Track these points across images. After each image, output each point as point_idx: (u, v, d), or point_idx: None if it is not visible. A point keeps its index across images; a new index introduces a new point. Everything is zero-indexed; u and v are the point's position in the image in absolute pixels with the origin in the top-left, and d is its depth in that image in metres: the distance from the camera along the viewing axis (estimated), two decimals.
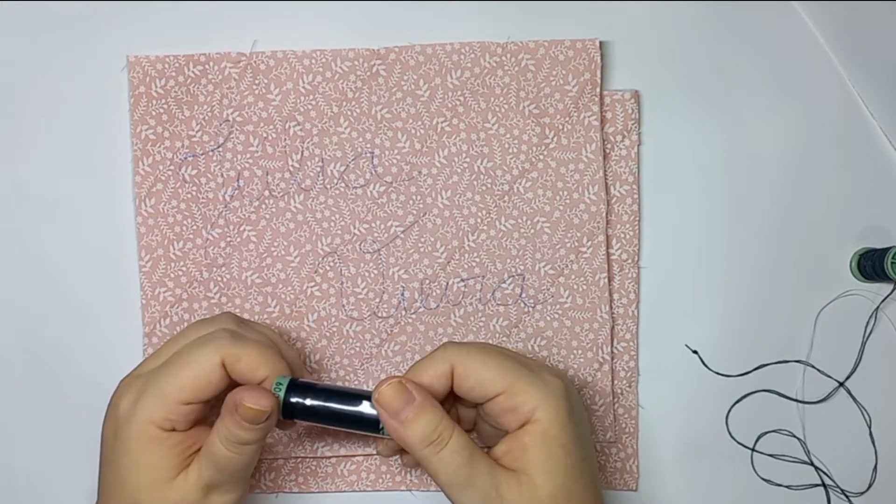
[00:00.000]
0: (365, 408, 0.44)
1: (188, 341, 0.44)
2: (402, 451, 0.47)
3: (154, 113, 0.51)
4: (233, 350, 0.43)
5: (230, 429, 0.42)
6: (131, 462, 0.43)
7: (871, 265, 0.51)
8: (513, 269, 0.52)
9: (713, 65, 0.53)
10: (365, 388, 0.52)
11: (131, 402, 0.43)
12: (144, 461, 0.43)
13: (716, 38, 0.53)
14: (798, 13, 0.53)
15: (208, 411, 0.45)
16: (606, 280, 0.52)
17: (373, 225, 0.52)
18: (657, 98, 0.53)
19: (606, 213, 0.52)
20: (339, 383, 0.52)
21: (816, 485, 0.53)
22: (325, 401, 0.44)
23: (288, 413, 0.44)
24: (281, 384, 0.44)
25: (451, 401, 0.47)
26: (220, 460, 0.43)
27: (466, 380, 0.43)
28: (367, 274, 0.52)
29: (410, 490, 0.52)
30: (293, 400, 0.44)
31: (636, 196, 0.52)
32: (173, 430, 0.43)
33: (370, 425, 0.44)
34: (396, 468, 0.52)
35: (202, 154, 0.52)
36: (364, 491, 0.52)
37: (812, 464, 0.53)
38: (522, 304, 0.52)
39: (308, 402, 0.44)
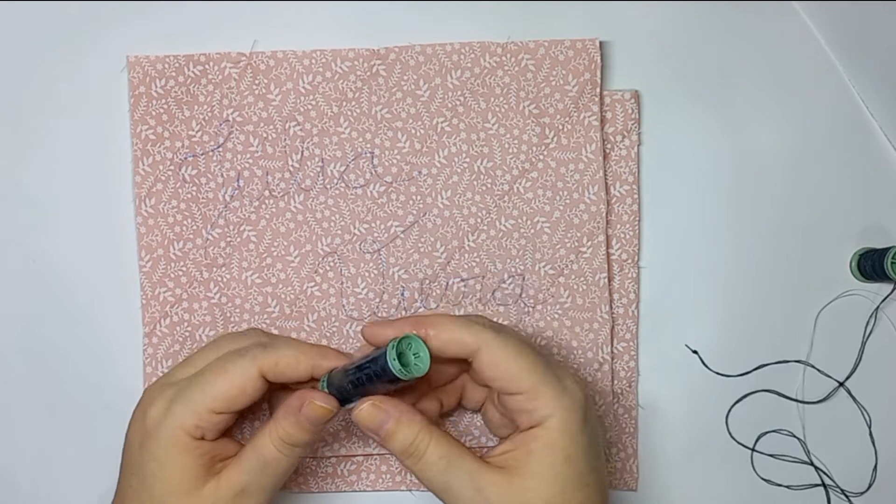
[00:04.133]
0: (388, 375, 0.43)
1: (221, 353, 0.45)
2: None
3: (154, 113, 0.51)
4: (268, 357, 0.44)
5: (286, 429, 0.44)
6: (158, 469, 0.43)
7: (871, 265, 0.51)
8: (513, 269, 0.52)
9: (713, 65, 0.53)
10: None
11: (162, 410, 0.44)
12: (172, 468, 0.43)
13: (716, 38, 0.53)
14: (798, 13, 0.53)
15: (235, 423, 0.46)
16: (606, 280, 0.52)
17: (373, 225, 0.52)
18: (657, 98, 0.53)
19: (606, 213, 0.52)
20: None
21: (816, 485, 0.53)
22: (356, 380, 0.44)
23: (342, 400, 0.45)
24: (324, 380, 0.45)
25: (462, 376, 0.48)
26: (268, 462, 0.44)
27: (491, 369, 0.43)
28: (367, 274, 0.52)
29: (410, 490, 0.52)
30: (334, 390, 0.45)
31: (636, 196, 0.52)
32: (202, 438, 0.44)
33: (396, 381, 0.43)
34: (396, 468, 0.52)
35: (202, 154, 0.52)
36: (364, 491, 0.52)
37: (812, 464, 0.53)
38: (522, 304, 0.52)
39: (347, 385, 0.44)
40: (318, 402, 0.44)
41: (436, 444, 0.43)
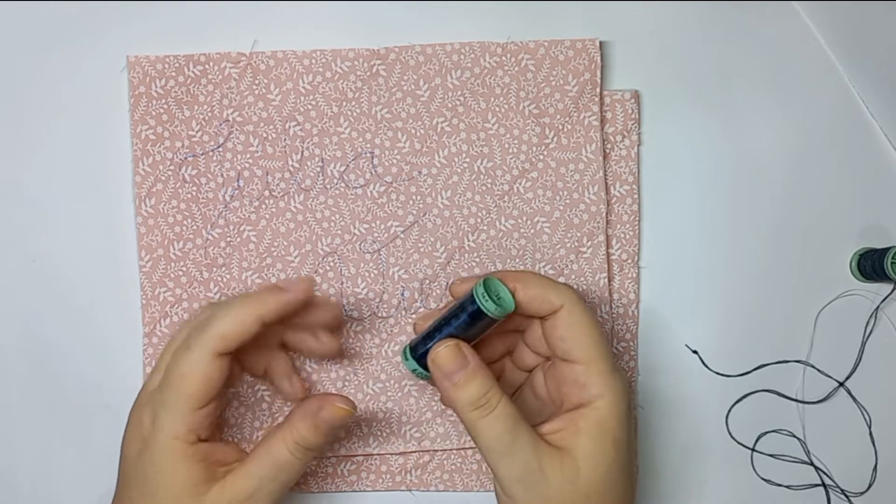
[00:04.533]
0: (474, 312, 0.44)
1: (174, 349, 0.45)
2: None
3: (154, 113, 0.51)
4: (212, 337, 0.43)
5: (302, 433, 0.44)
6: (160, 477, 0.43)
7: (871, 265, 0.51)
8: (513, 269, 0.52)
9: (713, 65, 0.53)
10: (366, 387, 0.52)
11: (150, 422, 0.44)
12: (174, 475, 0.43)
13: (716, 38, 0.53)
14: (798, 13, 0.53)
15: (224, 408, 0.46)
16: (606, 280, 0.52)
17: (373, 225, 0.52)
18: (657, 98, 0.53)
19: (606, 213, 0.52)
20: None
21: (816, 485, 0.53)
22: (439, 324, 0.45)
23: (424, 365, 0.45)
24: (405, 352, 0.46)
25: (503, 358, 0.49)
26: (281, 466, 0.44)
27: (565, 328, 0.44)
28: (367, 274, 0.52)
29: (410, 490, 0.52)
30: (420, 357, 0.45)
31: (636, 196, 0.52)
32: (199, 440, 0.44)
33: (481, 319, 0.44)
34: (396, 468, 0.52)
35: (202, 154, 0.52)
36: (364, 491, 0.52)
37: (812, 464, 0.53)
38: None
39: (431, 331, 0.45)
40: (339, 404, 0.44)
41: (506, 403, 0.43)
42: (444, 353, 0.43)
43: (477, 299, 0.43)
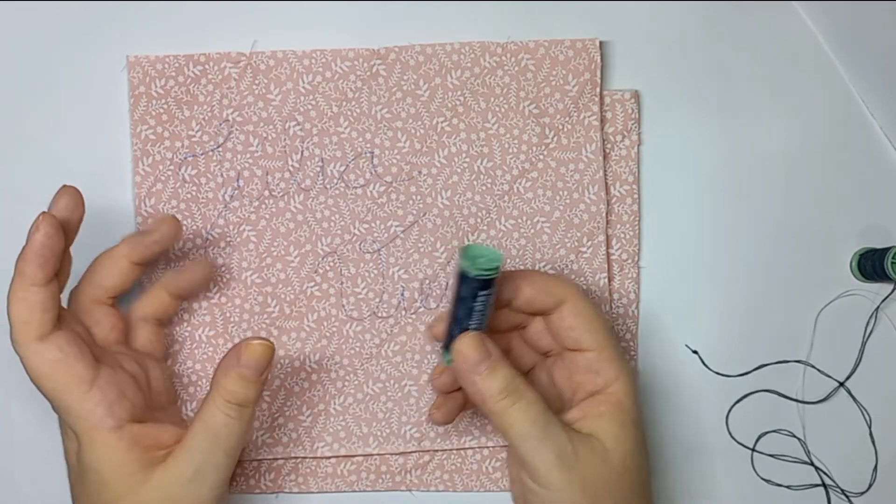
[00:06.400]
0: (467, 294, 0.43)
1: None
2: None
3: (154, 113, 0.51)
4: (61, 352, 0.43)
5: (230, 388, 0.42)
6: (96, 476, 0.43)
7: (871, 265, 0.51)
8: (513, 269, 0.52)
9: (713, 64, 0.53)
10: (366, 387, 0.52)
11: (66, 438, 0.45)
12: (110, 468, 0.42)
13: (716, 37, 0.53)
14: (798, 13, 0.53)
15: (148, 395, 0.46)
16: (606, 280, 0.52)
17: (373, 225, 0.52)
18: (657, 98, 0.53)
19: (606, 213, 0.52)
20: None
21: (816, 485, 0.53)
22: (455, 317, 0.44)
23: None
24: (443, 354, 0.45)
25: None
26: (219, 433, 0.42)
27: (573, 317, 0.45)
28: (366, 274, 0.52)
29: (410, 490, 0.52)
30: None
31: (636, 196, 0.52)
32: (123, 422, 0.43)
33: (480, 286, 0.43)
34: (396, 468, 0.52)
35: (202, 154, 0.51)
36: (364, 491, 0.52)
37: (812, 464, 0.53)
38: None
39: (454, 328, 0.45)
40: (254, 342, 0.42)
41: (532, 389, 0.43)
42: (468, 342, 0.43)
43: (464, 270, 0.42)
